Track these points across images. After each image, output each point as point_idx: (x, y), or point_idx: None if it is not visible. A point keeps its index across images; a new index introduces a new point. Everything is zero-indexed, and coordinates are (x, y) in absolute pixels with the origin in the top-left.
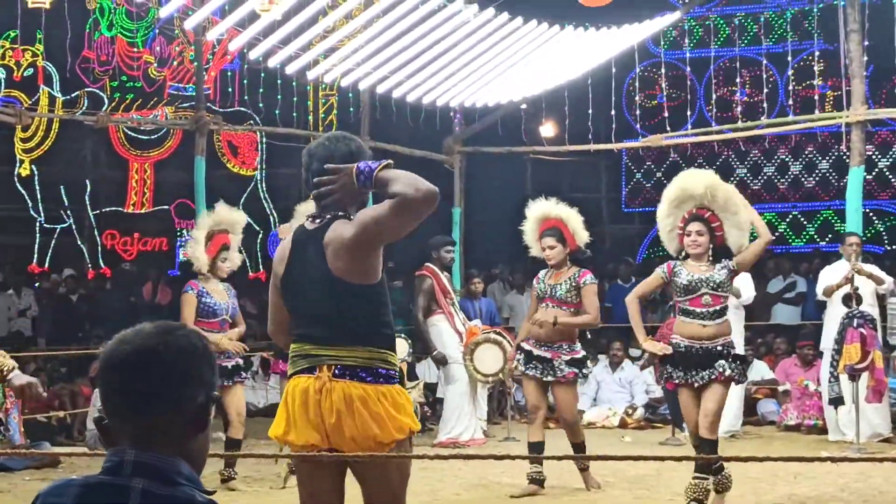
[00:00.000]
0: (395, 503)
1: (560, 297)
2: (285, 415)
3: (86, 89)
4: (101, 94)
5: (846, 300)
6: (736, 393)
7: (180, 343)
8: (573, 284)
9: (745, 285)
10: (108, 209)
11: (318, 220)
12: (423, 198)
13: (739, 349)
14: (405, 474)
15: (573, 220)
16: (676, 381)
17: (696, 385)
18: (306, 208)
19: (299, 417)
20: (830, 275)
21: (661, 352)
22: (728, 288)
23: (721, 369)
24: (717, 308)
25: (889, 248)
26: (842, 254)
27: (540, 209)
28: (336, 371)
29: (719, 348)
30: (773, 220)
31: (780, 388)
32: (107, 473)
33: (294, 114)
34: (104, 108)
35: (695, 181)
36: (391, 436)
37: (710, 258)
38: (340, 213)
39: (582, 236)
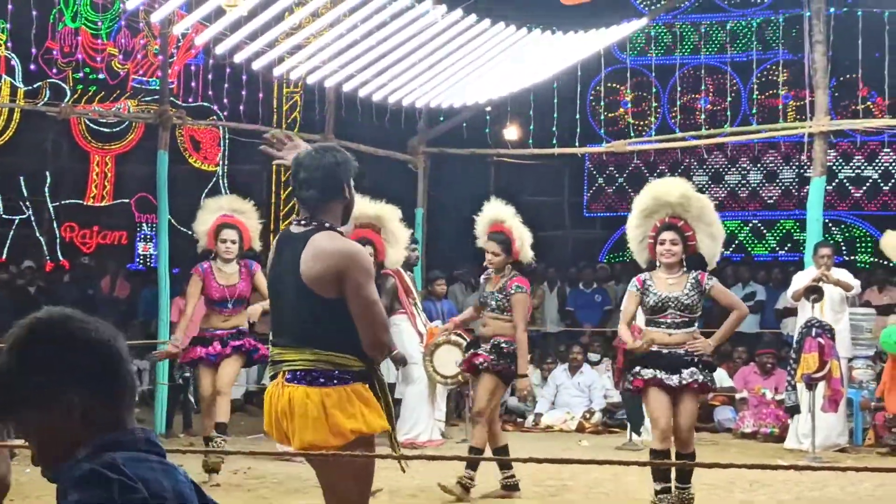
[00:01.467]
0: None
1: (495, 307)
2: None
3: (48, 80)
4: (64, 85)
5: (809, 293)
6: None
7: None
8: (505, 293)
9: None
10: (67, 201)
11: (303, 224)
12: (378, 349)
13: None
14: (362, 479)
15: (524, 237)
16: (645, 378)
17: (665, 383)
18: (216, 203)
19: (269, 423)
20: (802, 279)
21: (646, 346)
22: (697, 308)
23: (693, 377)
24: (685, 320)
25: (847, 258)
26: (813, 264)
27: (496, 211)
28: (287, 377)
29: (687, 356)
30: (734, 229)
31: (738, 396)
32: (130, 449)
33: (259, 110)
34: (66, 100)
35: (668, 189)
36: (327, 441)
37: (684, 268)
38: (327, 224)
39: (526, 255)
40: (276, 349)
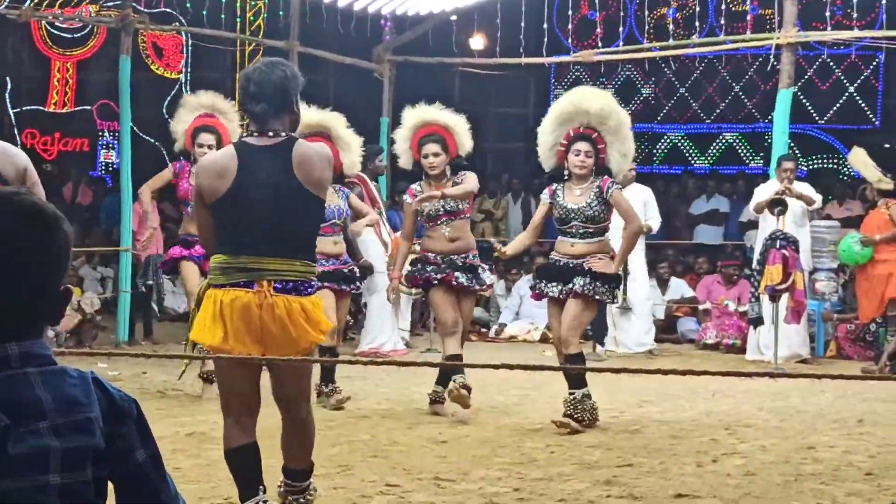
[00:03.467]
0: (303, 391)
1: (454, 210)
2: (221, 325)
3: None
4: None
5: (773, 206)
6: (646, 309)
7: (54, 209)
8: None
9: (653, 216)
10: (28, 108)
11: (269, 136)
12: None
13: (641, 270)
14: (311, 368)
15: (459, 127)
16: (538, 292)
17: (551, 296)
18: (196, 101)
19: (240, 329)
20: (764, 192)
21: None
22: (602, 219)
23: (574, 285)
24: (589, 231)
25: (810, 170)
26: (777, 179)
27: (419, 114)
28: (276, 286)
29: (579, 266)
30: (698, 140)
31: (700, 307)
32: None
33: (222, 16)
34: (26, 4)
35: (589, 99)
36: (319, 339)
37: (592, 179)
38: (294, 135)
39: (466, 145)
40: (249, 258)
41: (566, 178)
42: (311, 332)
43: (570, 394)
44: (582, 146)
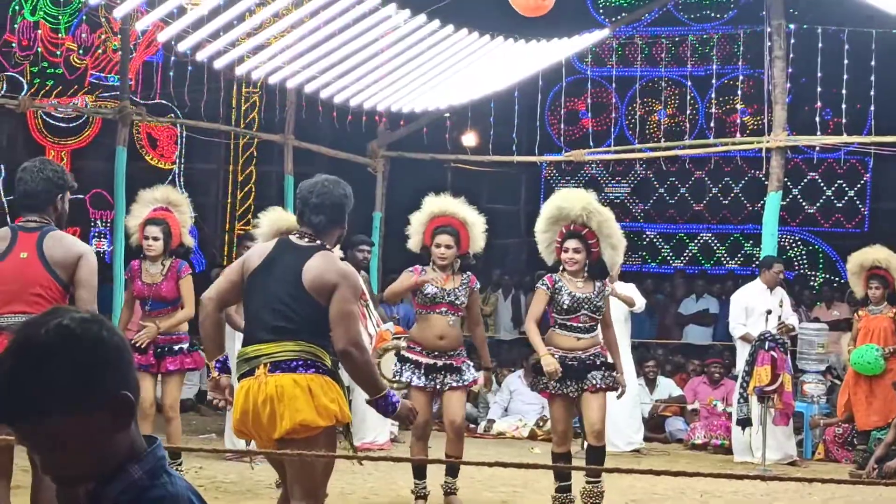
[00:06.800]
0: (314, 488)
1: (458, 304)
2: (237, 413)
3: (5, 73)
4: (21, 79)
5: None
6: (635, 406)
7: None
8: (467, 290)
9: (635, 294)
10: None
11: (306, 240)
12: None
13: (628, 365)
14: (327, 466)
15: (477, 227)
16: (551, 391)
17: (571, 395)
18: (150, 195)
19: (239, 418)
20: (744, 298)
21: (550, 367)
22: (602, 312)
23: (593, 381)
24: (593, 324)
25: (799, 272)
26: (763, 281)
27: (441, 204)
28: (269, 367)
29: (590, 360)
30: (688, 242)
31: (689, 407)
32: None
33: (219, 109)
34: (23, 94)
35: (570, 203)
36: (316, 421)
37: (586, 274)
38: (328, 246)
39: (478, 244)
40: (252, 347)
41: (562, 270)
42: (303, 409)
43: (592, 483)
44: (571, 243)
